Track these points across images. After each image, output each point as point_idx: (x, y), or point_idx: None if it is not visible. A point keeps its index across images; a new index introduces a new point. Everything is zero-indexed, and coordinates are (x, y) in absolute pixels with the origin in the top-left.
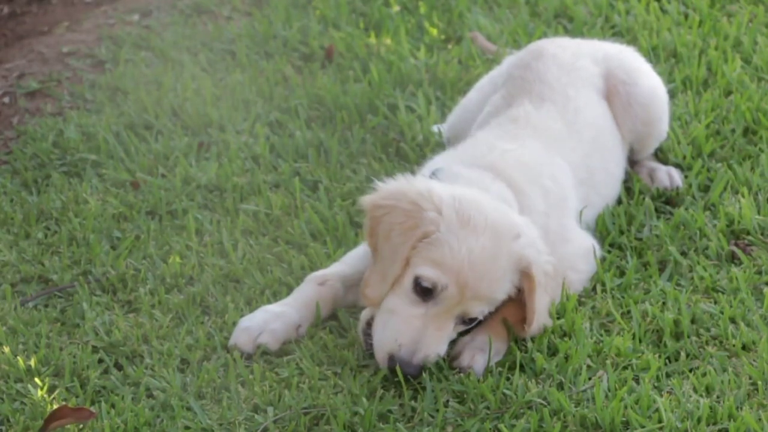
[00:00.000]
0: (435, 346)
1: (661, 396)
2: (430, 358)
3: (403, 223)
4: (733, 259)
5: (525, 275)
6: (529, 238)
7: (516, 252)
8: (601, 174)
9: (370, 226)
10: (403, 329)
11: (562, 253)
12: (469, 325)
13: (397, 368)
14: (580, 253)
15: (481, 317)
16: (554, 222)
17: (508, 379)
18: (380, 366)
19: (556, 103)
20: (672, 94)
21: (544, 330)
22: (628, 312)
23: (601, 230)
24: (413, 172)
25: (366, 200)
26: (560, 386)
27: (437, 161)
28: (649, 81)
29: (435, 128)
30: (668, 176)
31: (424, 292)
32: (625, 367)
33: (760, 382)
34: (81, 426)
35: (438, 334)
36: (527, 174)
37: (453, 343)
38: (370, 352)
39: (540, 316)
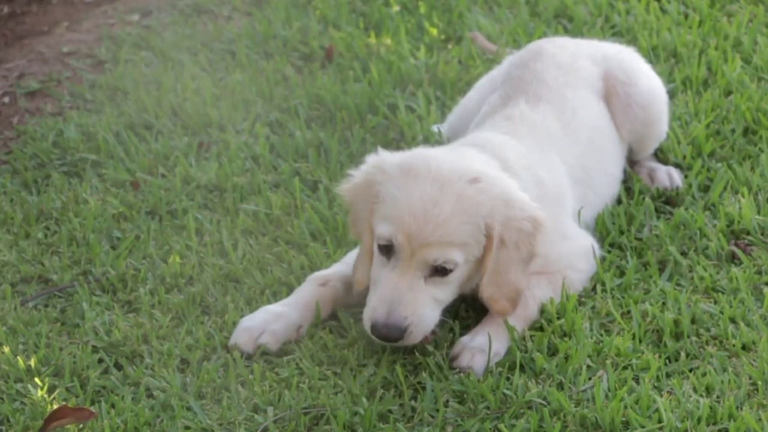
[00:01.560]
0: (412, 307)
1: (661, 396)
2: (409, 320)
3: (361, 195)
4: (733, 259)
5: (487, 226)
6: (491, 185)
7: (471, 196)
8: (598, 174)
9: (349, 212)
10: (377, 293)
11: (561, 251)
12: (445, 275)
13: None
14: (580, 252)
15: (448, 264)
16: (550, 218)
17: (508, 379)
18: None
19: (552, 103)
20: (672, 94)
21: (512, 305)
22: (628, 312)
23: (601, 230)
24: None
25: (340, 190)
26: (560, 386)
27: None
28: (648, 81)
29: (435, 128)
30: (668, 176)
31: (387, 250)
32: (625, 367)
33: (760, 382)
34: (81, 426)
35: (412, 294)
36: (522, 161)
37: (452, 337)
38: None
39: (500, 278)
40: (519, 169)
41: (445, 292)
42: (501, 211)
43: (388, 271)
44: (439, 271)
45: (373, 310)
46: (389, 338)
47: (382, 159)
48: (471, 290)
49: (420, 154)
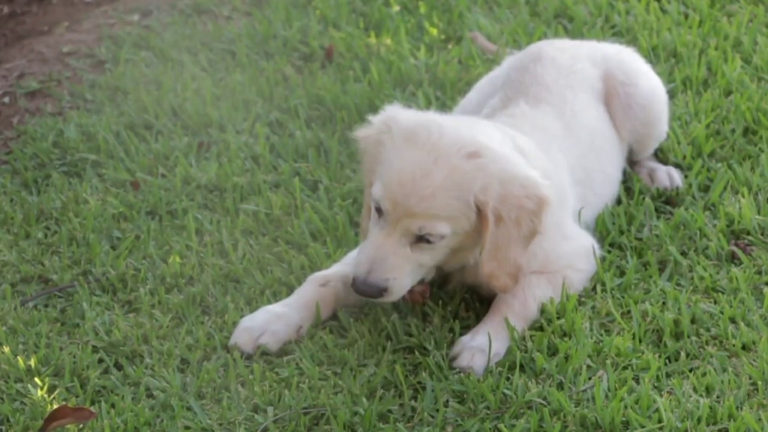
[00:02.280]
0: (394, 270)
1: (661, 396)
2: (389, 282)
3: (369, 149)
4: (733, 259)
5: (478, 202)
6: (491, 161)
7: (464, 171)
8: (597, 174)
9: (362, 159)
10: (364, 249)
11: (561, 251)
12: (433, 244)
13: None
14: (580, 252)
15: (432, 237)
16: (552, 216)
17: (508, 379)
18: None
19: (552, 104)
20: (672, 94)
21: (512, 281)
22: (628, 312)
23: (601, 230)
24: None
25: (356, 133)
26: (560, 386)
27: None
28: (648, 82)
29: None
30: (668, 176)
31: (379, 209)
32: (625, 367)
33: (760, 382)
34: (81, 426)
35: (395, 258)
36: (530, 153)
37: (452, 337)
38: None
39: (500, 255)
40: (533, 158)
41: (433, 257)
42: (495, 188)
43: (377, 230)
44: (425, 239)
45: (358, 264)
46: (367, 295)
47: (393, 117)
48: (472, 266)
49: (427, 120)
